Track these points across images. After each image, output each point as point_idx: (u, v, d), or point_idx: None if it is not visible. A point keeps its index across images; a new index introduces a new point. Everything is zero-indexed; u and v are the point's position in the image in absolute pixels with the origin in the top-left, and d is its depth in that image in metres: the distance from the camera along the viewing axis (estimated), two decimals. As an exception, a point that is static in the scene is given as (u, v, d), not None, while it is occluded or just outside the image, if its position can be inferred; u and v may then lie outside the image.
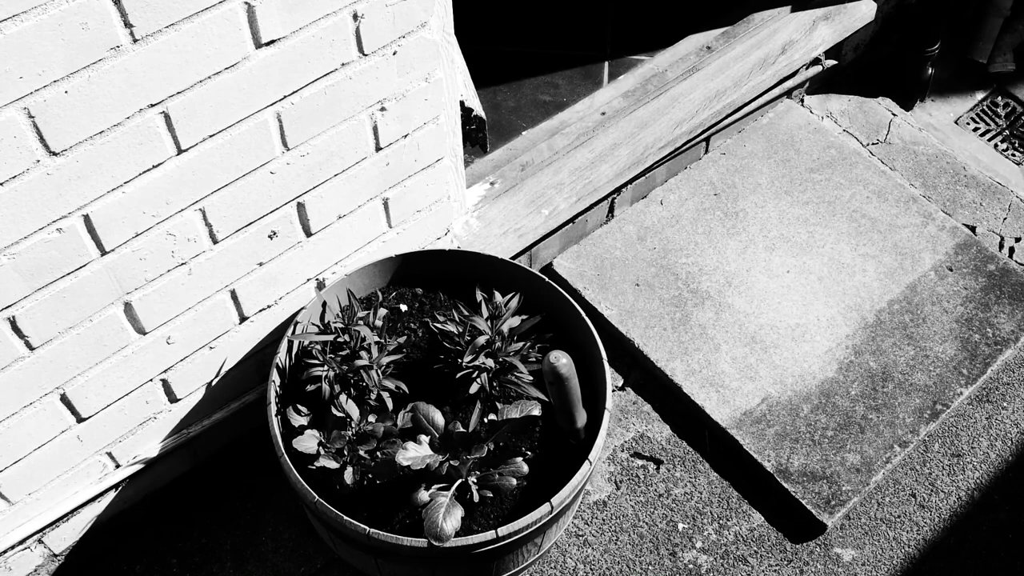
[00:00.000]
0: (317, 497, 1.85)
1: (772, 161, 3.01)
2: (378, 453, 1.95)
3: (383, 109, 1.97)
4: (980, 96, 3.36)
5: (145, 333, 1.93)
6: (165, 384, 2.07)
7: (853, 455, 2.46)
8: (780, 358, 2.61)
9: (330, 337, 2.07)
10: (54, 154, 1.54)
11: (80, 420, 1.97)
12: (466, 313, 2.11)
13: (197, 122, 1.68)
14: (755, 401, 2.54)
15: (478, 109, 2.34)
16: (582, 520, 2.43)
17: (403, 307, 2.23)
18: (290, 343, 2.09)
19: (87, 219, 1.66)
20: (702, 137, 2.92)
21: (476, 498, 1.89)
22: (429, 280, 2.27)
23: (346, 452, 1.95)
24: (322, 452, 1.93)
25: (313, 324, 2.13)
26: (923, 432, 2.51)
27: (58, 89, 1.47)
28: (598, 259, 2.78)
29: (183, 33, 1.55)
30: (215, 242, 1.89)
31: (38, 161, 1.53)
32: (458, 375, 2.05)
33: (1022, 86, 3.38)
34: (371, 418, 2.00)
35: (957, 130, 3.26)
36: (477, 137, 2.41)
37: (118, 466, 2.15)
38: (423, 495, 1.84)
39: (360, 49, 1.82)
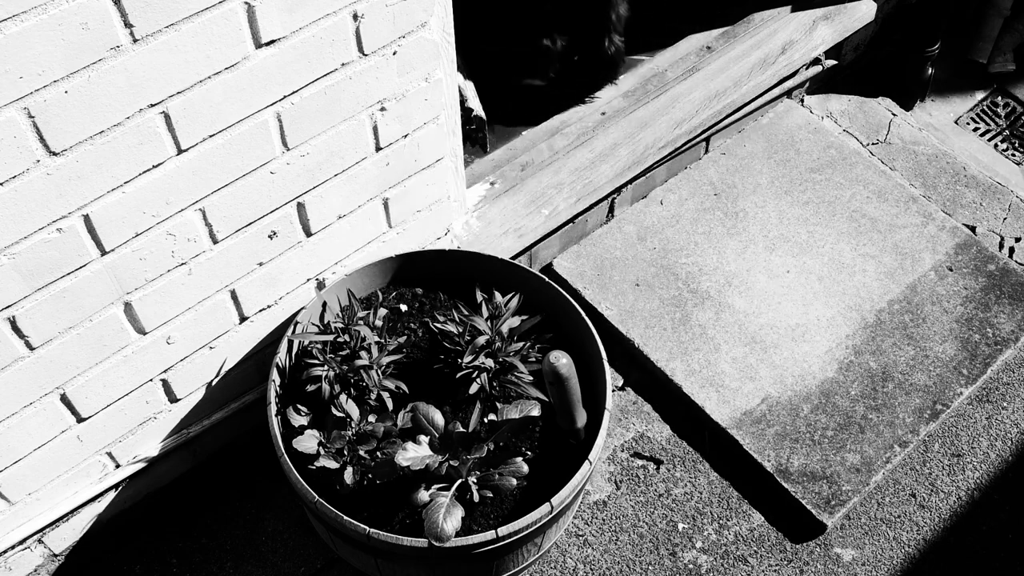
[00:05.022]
0: (317, 497, 1.85)
1: (772, 161, 3.01)
2: (378, 453, 1.95)
3: (383, 109, 1.97)
4: (980, 96, 3.36)
5: (145, 333, 1.93)
6: (165, 384, 2.07)
7: (853, 455, 2.46)
8: (780, 358, 2.61)
9: (330, 337, 2.07)
10: (54, 154, 1.54)
11: (80, 420, 1.97)
12: (466, 313, 2.11)
13: (197, 122, 1.68)
14: (755, 401, 2.54)
15: (478, 109, 2.34)
16: (582, 520, 2.43)
17: (403, 307, 2.23)
18: (290, 343, 2.09)
19: (87, 219, 1.66)
20: (702, 137, 2.92)
21: (476, 498, 1.89)
22: (429, 280, 2.27)
23: (346, 452, 1.95)
24: (322, 452, 1.93)
25: (313, 324, 2.13)
26: (923, 432, 2.51)
27: (58, 89, 1.47)
28: (598, 259, 2.78)
29: (183, 33, 1.55)
30: (215, 242, 1.89)
31: (38, 161, 1.53)
32: (458, 375, 2.05)
33: (1022, 86, 3.38)
34: (371, 418, 2.00)
35: (957, 130, 3.26)
36: (477, 137, 2.41)
37: (118, 466, 2.15)
38: (423, 495, 1.84)
39: (360, 49, 1.82)
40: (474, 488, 1.88)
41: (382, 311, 2.13)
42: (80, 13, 1.42)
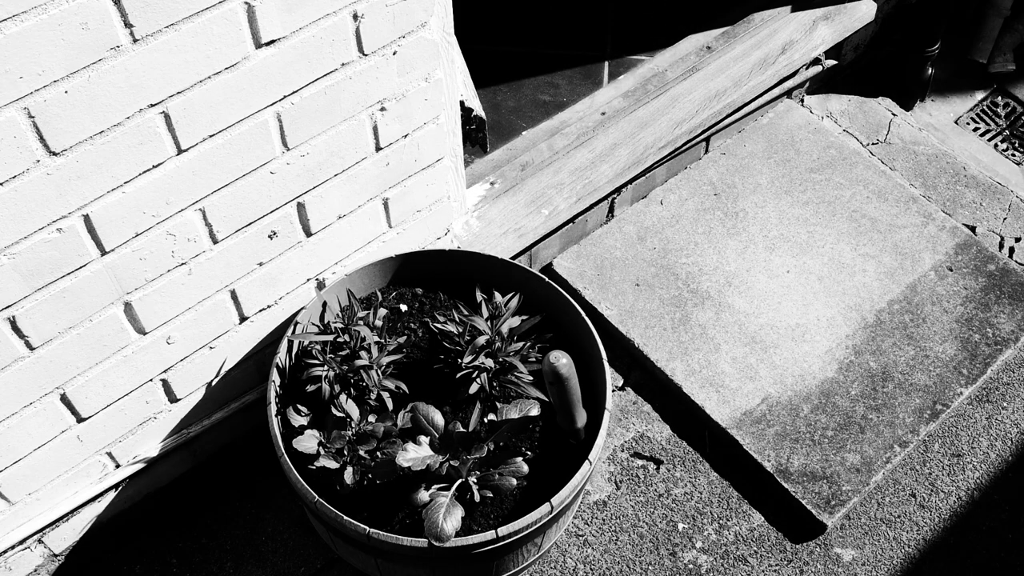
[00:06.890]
0: (317, 497, 1.85)
1: (772, 161, 3.01)
2: (378, 453, 1.95)
3: (383, 109, 1.97)
4: (980, 96, 3.36)
5: (145, 333, 1.93)
6: (165, 384, 2.07)
7: (853, 455, 2.46)
8: (780, 358, 2.61)
9: (330, 337, 2.07)
10: (54, 154, 1.54)
11: (80, 420, 1.97)
12: (466, 313, 2.11)
13: (197, 122, 1.68)
14: (755, 401, 2.54)
15: (478, 109, 2.34)
16: (582, 520, 2.43)
17: (403, 307, 2.23)
18: (290, 343, 2.09)
19: (87, 219, 1.66)
20: (702, 137, 2.92)
21: (476, 498, 1.89)
22: (429, 280, 2.27)
23: (346, 452, 1.95)
24: (322, 452, 1.93)
25: (313, 324, 2.13)
26: (923, 432, 2.51)
27: (58, 89, 1.47)
28: (598, 259, 2.78)
29: (183, 33, 1.55)
30: (215, 242, 1.89)
31: (38, 161, 1.53)
32: (458, 375, 2.05)
33: (1022, 86, 3.38)
34: (371, 418, 2.00)
35: (957, 130, 3.26)
36: (477, 137, 2.41)
37: (118, 466, 2.15)
38: (423, 495, 1.84)
39: (360, 49, 1.82)
40: (474, 488, 1.88)
41: (382, 311, 2.13)
42: (80, 13, 1.42)
